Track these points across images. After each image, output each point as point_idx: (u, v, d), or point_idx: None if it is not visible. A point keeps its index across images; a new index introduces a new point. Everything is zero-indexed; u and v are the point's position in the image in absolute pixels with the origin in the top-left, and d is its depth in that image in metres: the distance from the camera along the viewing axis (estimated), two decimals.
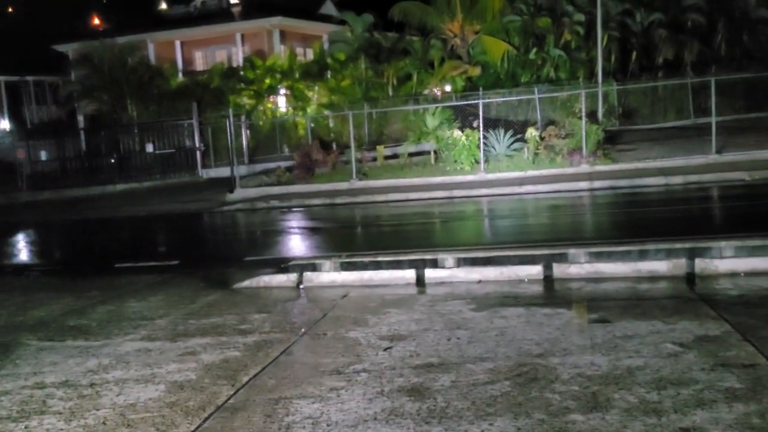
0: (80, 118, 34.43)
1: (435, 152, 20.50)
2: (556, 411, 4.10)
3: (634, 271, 7.34)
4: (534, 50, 30.81)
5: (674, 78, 27.79)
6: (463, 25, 31.78)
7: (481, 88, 23.28)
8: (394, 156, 22.39)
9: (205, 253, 12.07)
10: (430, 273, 7.87)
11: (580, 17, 30.34)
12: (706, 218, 11.95)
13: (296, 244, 12.30)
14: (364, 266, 8.29)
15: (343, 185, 18.99)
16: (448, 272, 7.88)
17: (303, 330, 6.23)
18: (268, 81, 30.80)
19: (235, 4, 35.80)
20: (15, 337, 6.61)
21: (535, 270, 7.61)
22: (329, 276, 8.24)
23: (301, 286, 8.08)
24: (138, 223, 17.71)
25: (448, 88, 31.18)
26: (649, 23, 30.89)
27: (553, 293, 7.11)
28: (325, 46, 33.76)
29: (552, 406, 4.17)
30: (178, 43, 35.51)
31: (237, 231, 15.76)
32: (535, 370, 4.77)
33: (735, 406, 4.00)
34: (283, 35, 34.34)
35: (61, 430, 4.36)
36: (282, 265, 8.86)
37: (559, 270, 7.55)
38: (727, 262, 7.31)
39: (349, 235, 13.44)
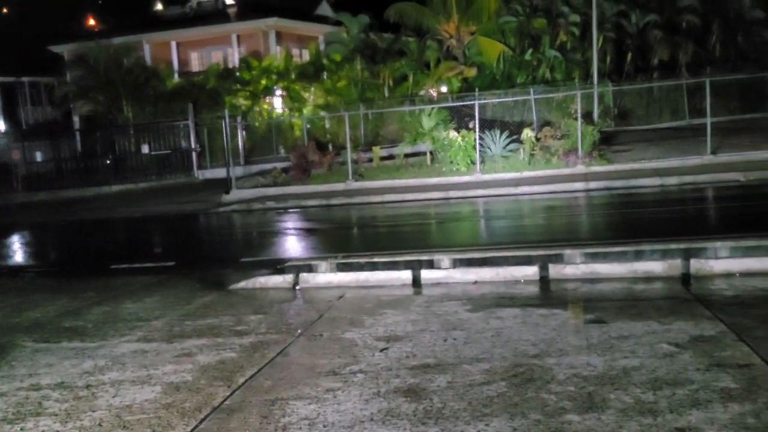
0: (76, 119, 34.37)
1: (431, 153, 20.51)
2: (552, 411, 4.11)
3: (629, 272, 7.36)
4: (530, 51, 30.85)
5: (669, 79, 27.85)
6: (459, 26, 31.81)
7: (477, 89, 23.29)
8: (390, 157, 22.41)
9: (201, 254, 12.06)
10: (426, 274, 7.88)
11: (576, 18, 30.40)
12: (702, 219, 11.98)
13: (292, 245, 12.30)
14: (360, 267, 8.29)
15: (339, 186, 18.99)
16: (444, 273, 7.89)
17: (299, 331, 6.23)
18: (264, 82, 30.79)
19: (231, 5, 35.78)
20: (10, 339, 6.60)
21: (531, 271, 7.62)
22: (325, 277, 8.24)
23: (297, 287, 8.08)
24: (133, 224, 17.68)
25: (444, 89, 31.22)
26: (645, 24, 30.95)
27: (549, 294, 7.12)
28: (321, 47, 33.76)
29: (548, 407, 4.17)
30: (173, 44, 35.49)
31: (233, 232, 15.74)
32: (531, 371, 4.78)
33: (730, 406, 4.02)
34: (279, 36, 34.34)
35: (57, 431, 4.36)
36: (278, 266, 8.86)
37: (555, 271, 7.56)
38: (722, 262, 7.33)
39: (345, 236, 13.44)
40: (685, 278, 7.12)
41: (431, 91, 31.05)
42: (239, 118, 24.97)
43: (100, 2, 46.57)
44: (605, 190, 15.53)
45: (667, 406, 4.06)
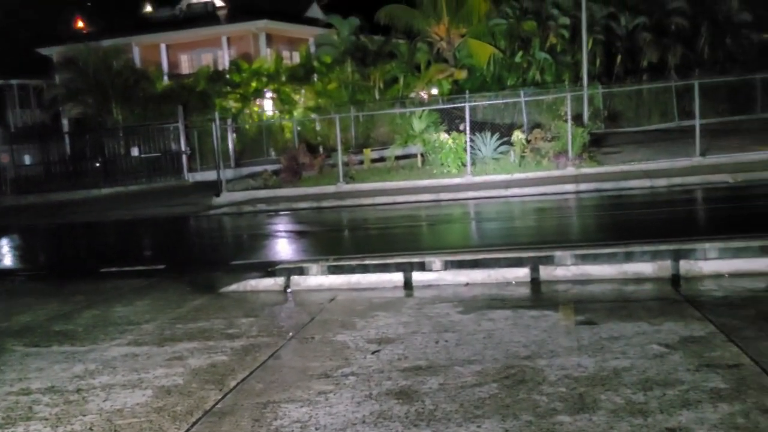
0: (65, 122, 34.19)
1: (422, 155, 20.54)
2: (544, 412, 4.12)
3: (620, 273, 7.40)
4: (520, 53, 30.95)
5: (658, 81, 28.03)
6: (449, 29, 31.87)
7: (467, 91, 23.26)
8: (381, 159, 22.41)
9: (192, 257, 12.01)
10: (417, 276, 7.89)
11: (566, 21, 30.52)
12: (691, 220, 12.05)
13: (283, 248, 12.28)
14: (351, 269, 8.30)
15: (330, 188, 18.98)
16: (436, 275, 7.91)
17: (291, 334, 6.22)
18: (254, 84, 30.76)
19: (221, 8, 35.74)
20: (0, 343, 6.55)
21: (522, 272, 7.65)
22: (317, 279, 8.24)
23: (289, 290, 8.07)
24: (124, 227, 17.61)
25: (434, 91, 31.28)
26: (634, 27, 31.11)
27: (540, 295, 7.14)
28: (312, 49, 33.77)
29: (539, 408, 4.19)
30: (163, 47, 35.37)
31: (223, 235, 15.71)
32: (522, 372, 4.80)
33: (720, 406, 4.04)
34: (269, 38, 34.31)
35: None
36: (269, 268, 8.85)
37: (545, 272, 7.59)
38: (712, 263, 7.38)
39: (336, 239, 13.43)
40: (675, 279, 7.16)
41: (422, 94, 31.11)
42: (229, 121, 24.89)
43: (88, 4, 46.37)
44: (595, 191, 15.60)
45: (658, 407, 4.08)
